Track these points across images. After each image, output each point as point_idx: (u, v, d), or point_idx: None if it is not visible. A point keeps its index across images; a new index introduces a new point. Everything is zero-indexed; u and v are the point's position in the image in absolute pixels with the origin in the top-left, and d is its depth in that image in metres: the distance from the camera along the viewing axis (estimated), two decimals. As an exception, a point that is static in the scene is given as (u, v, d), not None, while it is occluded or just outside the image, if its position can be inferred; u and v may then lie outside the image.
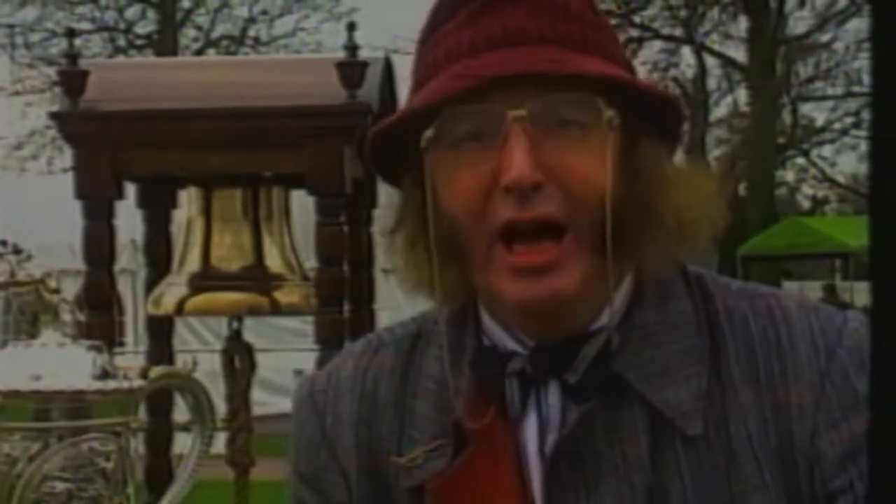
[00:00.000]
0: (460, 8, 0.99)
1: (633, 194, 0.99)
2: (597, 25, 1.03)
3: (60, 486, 1.17)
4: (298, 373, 9.54)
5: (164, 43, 24.58)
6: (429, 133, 0.94)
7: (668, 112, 1.03)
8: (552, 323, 1.00)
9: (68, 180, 1.53)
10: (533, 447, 0.97)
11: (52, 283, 1.27)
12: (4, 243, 1.26)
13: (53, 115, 1.43)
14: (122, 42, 25.23)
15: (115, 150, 1.44)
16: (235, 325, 1.58)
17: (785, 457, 1.00)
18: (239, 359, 1.61)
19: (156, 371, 1.30)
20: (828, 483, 0.98)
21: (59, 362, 1.20)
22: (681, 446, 0.99)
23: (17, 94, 24.53)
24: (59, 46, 23.09)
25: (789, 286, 23.87)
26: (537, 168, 0.95)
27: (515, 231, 0.94)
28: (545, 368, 0.98)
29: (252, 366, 1.60)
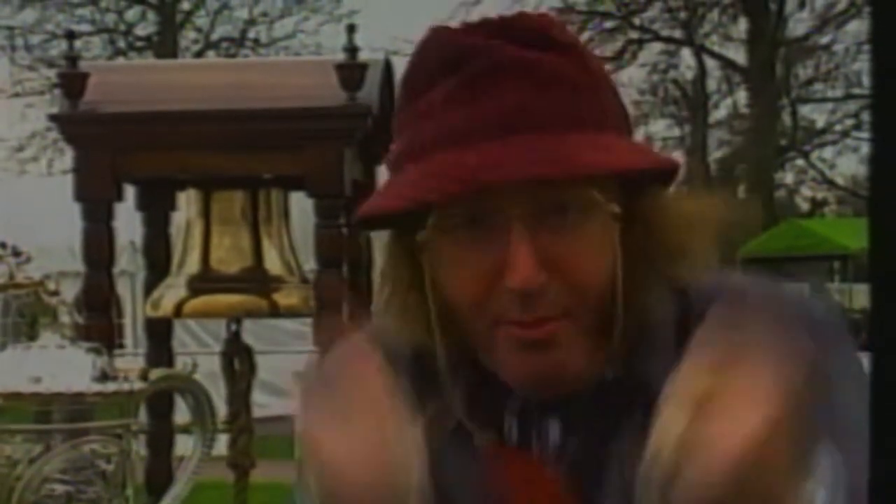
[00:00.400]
0: (447, 75, 0.92)
1: (637, 260, 0.97)
2: (591, 87, 0.98)
3: (60, 489, 1.17)
4: (297, 375, 9.57)
5: (164, 45, 24.58)
6: (422, 235, 0.92)
7: (666, 171, 0.99)
8: (553, 390, 0.99)
9: (68, 182, 1.53)
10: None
11: (52, 286, 1.27)
12: (4, 245, 1.26)
13: (53, 117, 1.43)
14: (121, 44, 25.23)
15: (115, 152, 1.44)
16: (234, 327, 1.58)
17: None
18: (238, 361, 1.61)
19: (156, 373, 1.30)
20: None
21: (59, 364, 1.20)
22: None
23: (16, 95, 24.51)
24: (58, 48, 23.08)
25: (790, 288, 23.83)
26: (541, 268, 0.94)
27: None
28: (546, 408, 0.99)
29: (252, 367, 1.60)
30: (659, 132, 28.80)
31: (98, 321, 1.40)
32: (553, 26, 0.99)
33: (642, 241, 0.98)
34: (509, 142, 0.94)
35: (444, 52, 0.93)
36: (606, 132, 0.97)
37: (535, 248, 0.94)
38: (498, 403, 1.02)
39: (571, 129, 0.96)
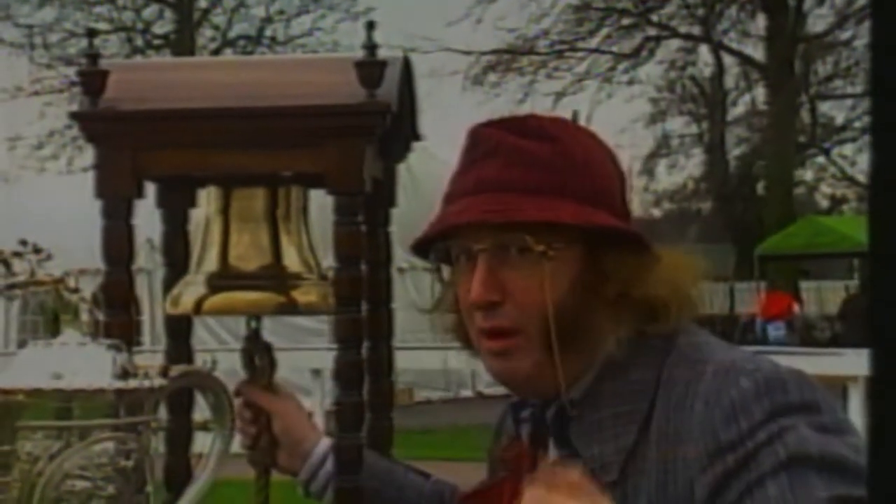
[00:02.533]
0: (468, 154, 1.36)
1: (591, 299, 1.31)
2: (559, 168, 1.32)
3: (81, 485, 1.18)
4: (315, 372, 9.57)
5: (182, 43, 24.64)
6: (432, 258, 1.36)
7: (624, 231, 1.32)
8: (519, 392, 1.38)
9: (86, 180, 1.54)
10: None
11: (72, 283, 1.27)
12: (24, 243, 1.26)
13: (74, 115, 1.44)
14: (139, 42, 25.33)
15: (135, 150, 1.44)
16: (254, 324, 1.58)
17: (677, 502, 1.24)
18: (258, 357, 1.61)
19: (176, 369, 1.30)
20: None
21: (80, 361, 1.21)
22: (603, 491, 1.19)
23: (35, 94, 24.65)
24: (77, 47, 23.20)
25: (807, 286, 23.77)
26: (494, 290, 1.31)
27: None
28: (543, 423, 1.35)
29: (272, 364, 1.60)
30: (677, 129, 28.72)
31: (119, 318, 1.41)
32: (552, 123, 1.38)
33: (602, 290, 1.31)
34: (476, 199, 1.32)
35: (471, 138, 1.37)
36: (563, 199, 1.31)
37: (489, 275, 1.31)
38: (518, 411, 1.41)
39: (527, 193, 1.31)
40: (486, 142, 1.34)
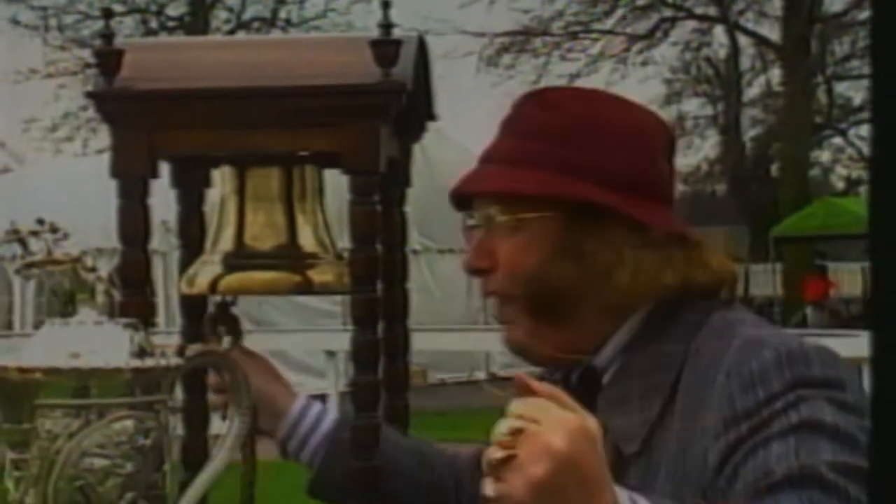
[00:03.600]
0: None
1: (575, 271, 1.34)
2: (550, 138, 1.36)
3: (99, 463, 1.18)
4: (330, 354, 9.58)
5: (196, 25, 24.63)
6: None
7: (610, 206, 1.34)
8: (527, 359, 1.43)
9: (102, 161, 1.54)
10: None
11: (89, 262, 1.27)
12: (41, 222, 1.26)
13: (90, 94, 1.44)
14: (153, 24, 25.32)
15: (151, 130, 1.44)
16: (230, 299, 1.59)
17: (693, 472, 1.24)
18: (224, 327, 1.61)
19: (193, 348, 1.31)
20: (712, 484, 1.21)
21: (97, 340, 1.21)
22: (626, 462, 1.26)
23: (50, 76, 24.67)
24: (91, 28, 23.22)
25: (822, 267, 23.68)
26: (483, 257, 1.40)
27: None
28: (569, 388, 1.33)
29: (238, 333, 1.61)
30: (692, 111, 28.61)
31: (135, 297, 1.41)
32: (571, 94, 1.46)
33: (585, 262, 1.34)
34: (475, 169, 1.43)
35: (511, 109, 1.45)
36: (539, 170, 1.35)
37: (479, 243, 1.41)
38: (549, 375, 1.44)
39: (507, 163, 1.38)
40: (511, 111, 1.43)
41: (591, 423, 1.09)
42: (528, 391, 1.10)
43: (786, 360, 1.23)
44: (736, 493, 1.19)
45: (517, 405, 1.09)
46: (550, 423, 1.06)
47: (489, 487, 1.07)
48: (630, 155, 1.35)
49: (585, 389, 1.35)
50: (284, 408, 1.62)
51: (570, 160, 1.34)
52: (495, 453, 1.07)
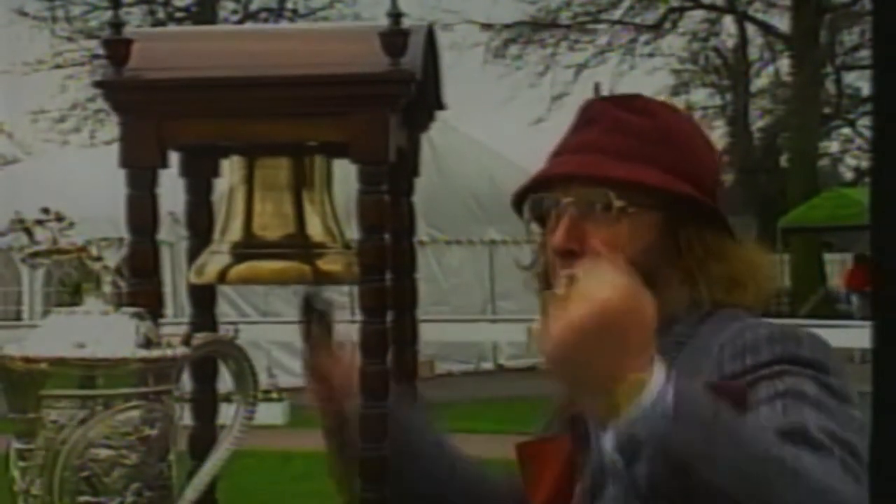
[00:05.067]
0: (576, 120, 1.53)
1: (663, 267, 1.42)
2: (653, 140, 1.45)
3: (104, 453, 1.18)
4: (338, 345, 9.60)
5: (203, 15, 24.62)
6: (526, 214, 1.52)
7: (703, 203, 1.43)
8: None
9: (109, 152, 1.53)
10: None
11: (95, 251, 1.27)
12: (47, 211, 1.26)
13: (99, 84, 1.43)
14: (161, 15, 25.31)
15: (160, 119, 1.43)
16: (309, 290, 1.62)
17: None
18: (315, 326, 1.65)
19: (199, 337, 1.30)
20: None
21: (103, 330, 1.21)
22: None
23: (57, 67, 24.68)
24: (98, 19, 23.21)
25: (830, 258, 23.63)
26: (574, 239, 1.44)
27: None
28: None
29: (329, 328, 1.66)
30: (700, 101, 28.55)
31: (144, 287, 1.40)
32: (655, 104, 1.53)
33: (676, 261, 1.43)
34: (573, 157, 1.48)
35: (582, 108, 1.54)
36: (651, 167, 1.43)
37: (572, 225, 1.44)
38: None
39: (618, 157, 1.44)
40: (593, 111, 1.51)
41: (644, 292, 1.17)
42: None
43: (778, 336, 1.34)
44: None
45: (581, 267, 1.20)
46: (604, 279, 1.16)
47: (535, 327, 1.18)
48: (713, 164, 1.51)
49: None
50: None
51: (673, 162, 1.44)
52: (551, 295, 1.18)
